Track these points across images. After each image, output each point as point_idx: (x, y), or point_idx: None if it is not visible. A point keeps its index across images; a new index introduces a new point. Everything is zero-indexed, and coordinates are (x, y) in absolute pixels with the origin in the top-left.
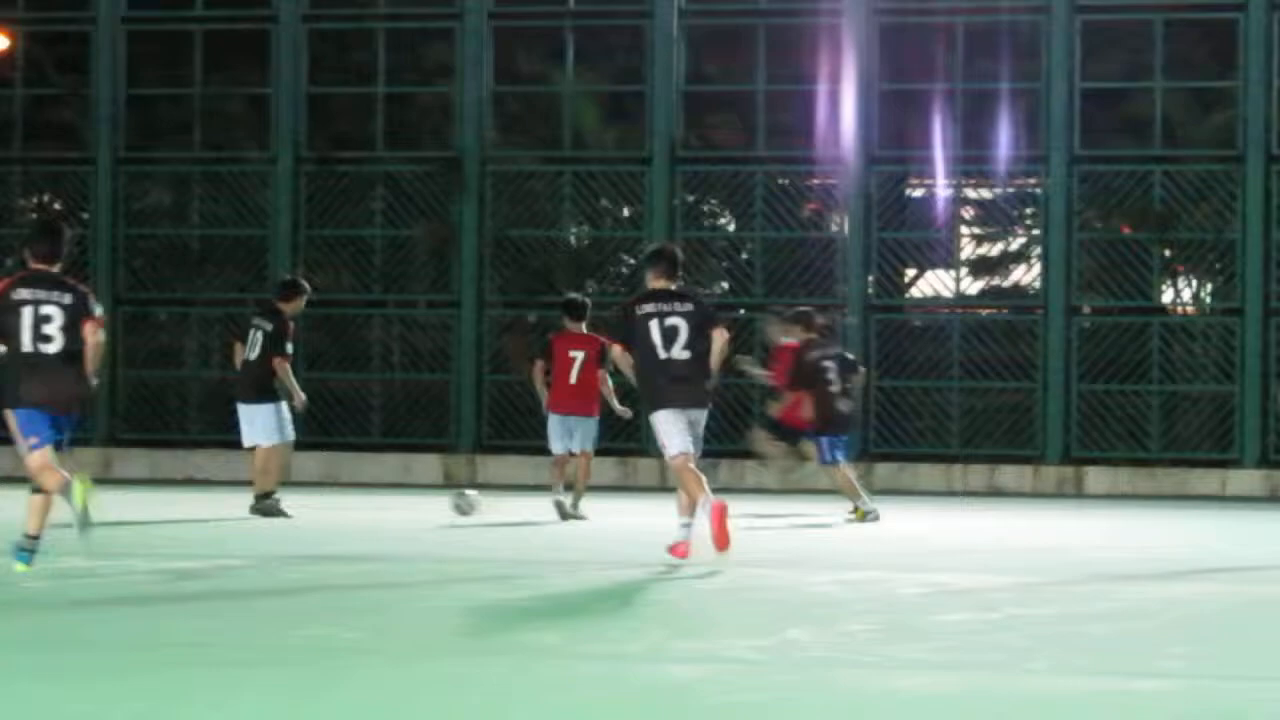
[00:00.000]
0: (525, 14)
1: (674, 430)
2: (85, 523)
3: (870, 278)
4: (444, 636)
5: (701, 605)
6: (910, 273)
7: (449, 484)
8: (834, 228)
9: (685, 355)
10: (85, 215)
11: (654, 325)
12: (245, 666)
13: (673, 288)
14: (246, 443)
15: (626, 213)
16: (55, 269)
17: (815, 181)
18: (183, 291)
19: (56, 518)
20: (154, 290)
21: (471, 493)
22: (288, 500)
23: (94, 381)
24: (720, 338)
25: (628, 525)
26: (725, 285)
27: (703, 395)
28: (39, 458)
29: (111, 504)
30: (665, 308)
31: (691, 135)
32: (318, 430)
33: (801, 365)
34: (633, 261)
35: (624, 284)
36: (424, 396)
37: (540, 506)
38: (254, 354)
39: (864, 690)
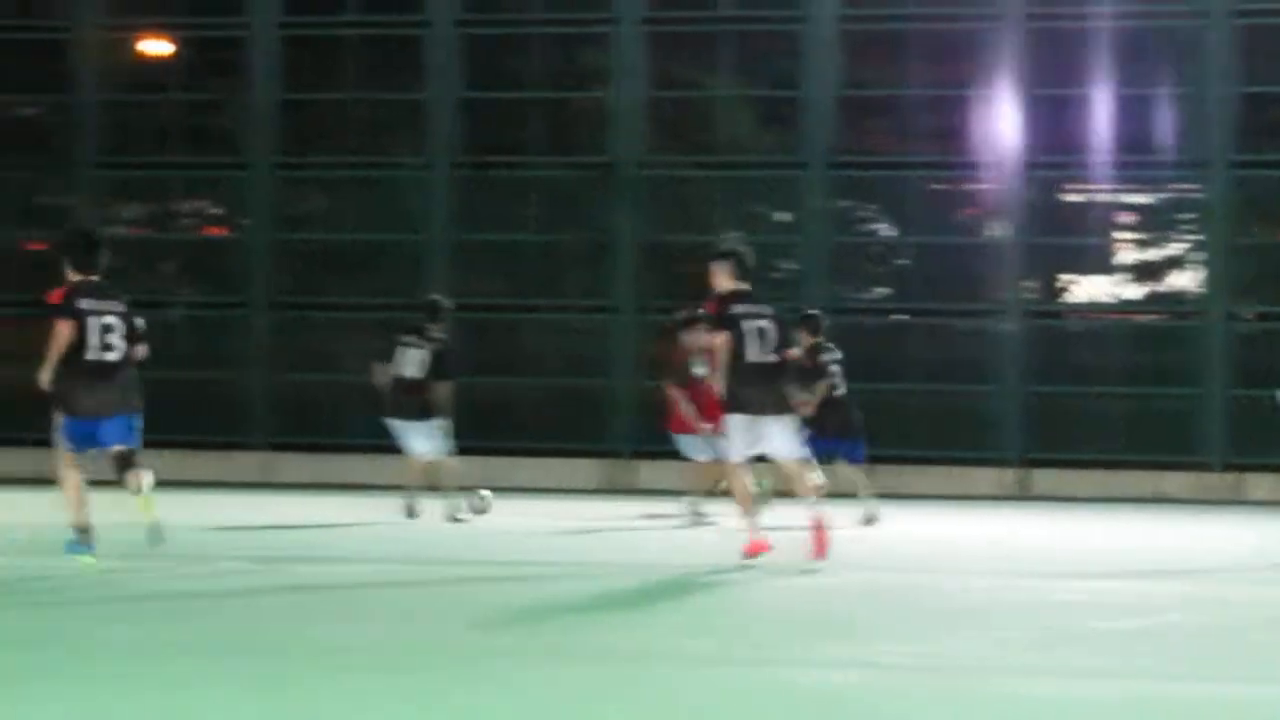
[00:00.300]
0: (680, 19)
1: (743, 436)
2: (156, 533)
3: (1027, 283)
4: (592, 641)
5: (849, 610)
6: (1067, 278)
7: (607, 489)
8: (991, 233)
9: (772, 359)
10: (242, 220)
11: (748, 327)
12: (388, 672)
13: (746, 289)
14: (423, 455)
15: (780, 218)
16: (97, 278)
17: (972, 186)
18: (336, 296)
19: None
20: (308, 295)
21: (486, 493)
22: (439, 506)
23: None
24: (794, 353)
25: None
26: (881, 291)
27: (785, 402)
28: (70, 459)
29: (270, 508)
30: (753, 310)
31: (846, 140)
32: (473, 435)
33: (807, 372)
34: (791, 267)
35: (777, 289)
36: (580, 401)
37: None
38: (413, 372)
39: (1021, 697)
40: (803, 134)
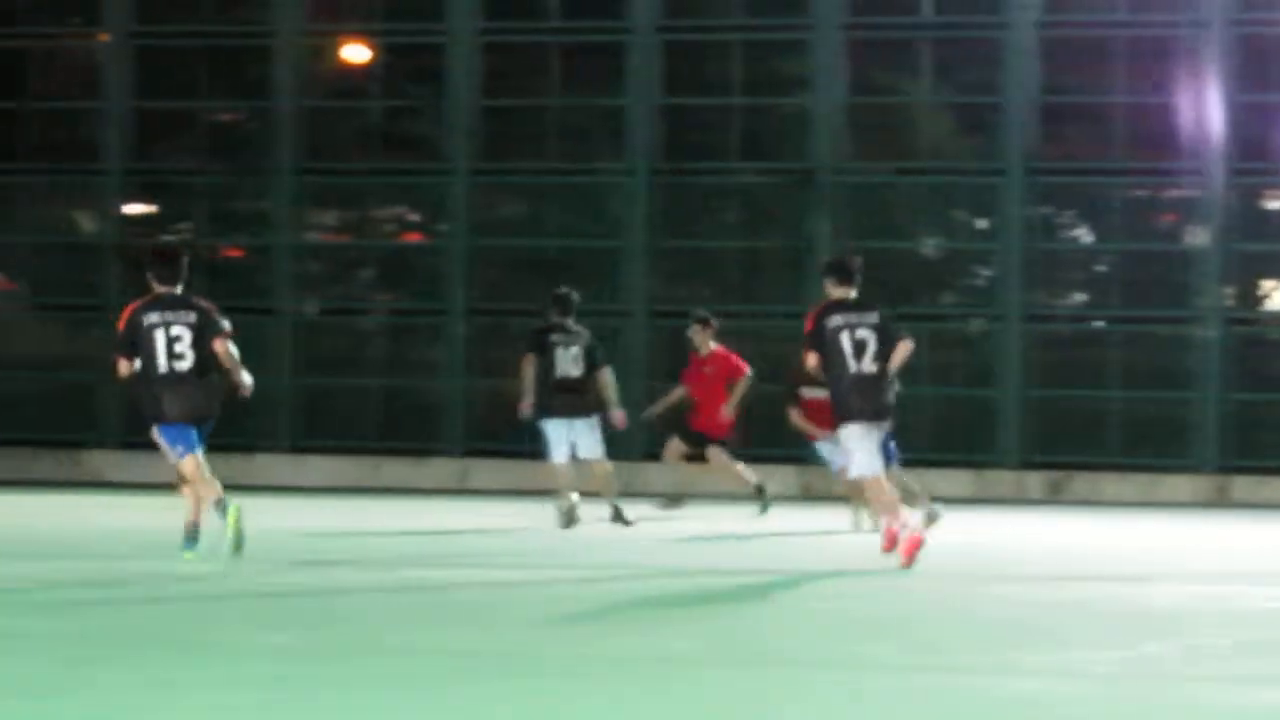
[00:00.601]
0: (879, 25)
1: (862, 448)
2: (238, 543)
3: (1227, 290)
4: (774, 646)
5: (1037, 617)
6: (1269, 284)
7: (798, 496)
8: (1191, 239)
9: (874, 369)
10: (440, 227)
11: (845, 337)
12: (574, 677)
13: (854, 297)
14: (593, 455)
15: (979, 225)
16: (178, 290)
17: (1172, 193)
18: (535, 302)
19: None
20: (507, 301)
21: (575, 497)
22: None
23: (248, 380)
24: (905, 349)
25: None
26: (1081, 297)
27: (889, 409)
28: (190, 464)
29: (463, 514)
30: (854, 319)
31: (1046, 146)
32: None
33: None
34: (988, 274)
35: (977, 296)
36: (775, 407)
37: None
38: (571, 370)
39: (1223, 705)
40: (1002, 140)
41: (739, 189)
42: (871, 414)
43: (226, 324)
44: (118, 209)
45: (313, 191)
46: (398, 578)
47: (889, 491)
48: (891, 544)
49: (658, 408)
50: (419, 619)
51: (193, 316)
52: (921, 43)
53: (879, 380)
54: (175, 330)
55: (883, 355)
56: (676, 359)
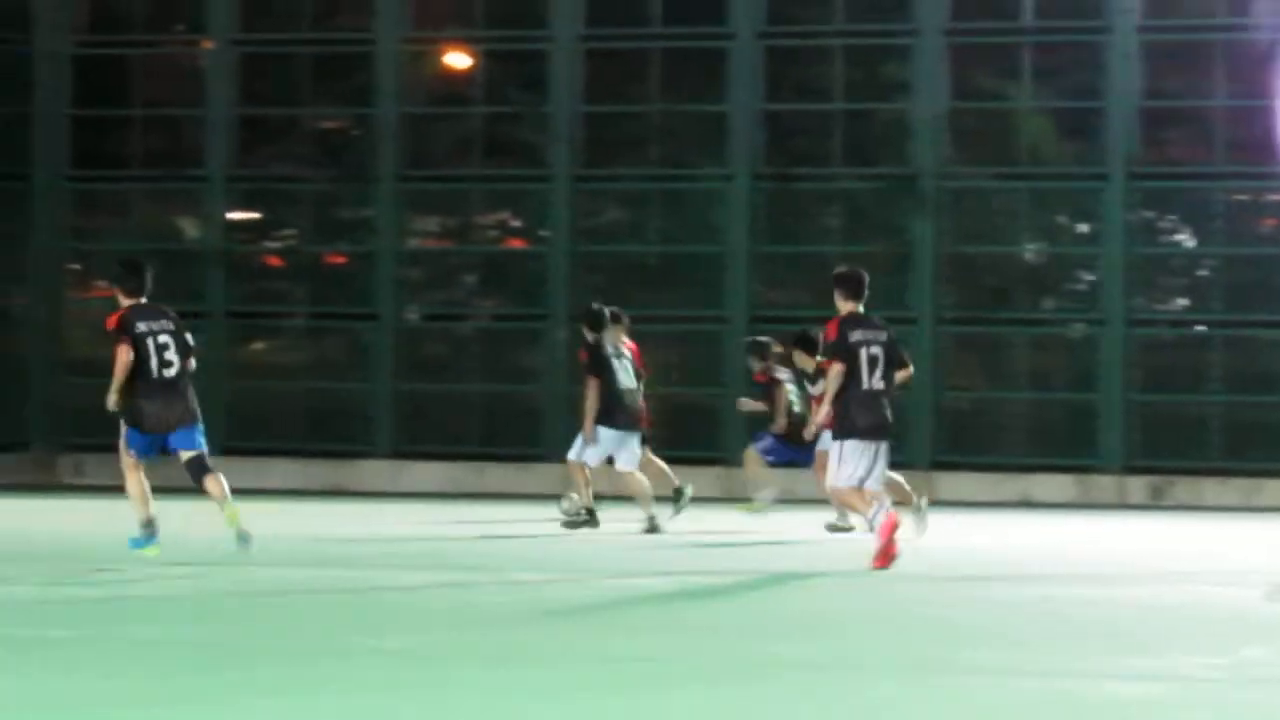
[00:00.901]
0: (981, 30)
1: (858, 462)
2: (245, 539)
3: None
4: (880, 654)
5: (1138, 622)
6: None
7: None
8: None
9: (881, 386)
10: (542, 233)
11: (863, 353)
12: (704, 683)
13: (863, 311)
14: (630, 467)
15: (1081, 229)
16: (145, 300)
17: (1275, 197)
18: (637, 308)
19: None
20: (610, 306)
21: (576, 496)
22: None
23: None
24: (908, 374)
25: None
26: (1182, 302)
27: (891, 427)
28: (132, 463)
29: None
30: (871, 335)
31: (1148, 151)
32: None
33: (762, 389)
34: (1089, 278)
35: (1079, 301)
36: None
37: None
38: (630, 383)
39: None
40: (1104, 145)
41: (840, 194)
42: (876, 433)
43: (191, 338)
44: (221, 216)
45: (415, 198)
46: (510, 581)
47: (861, 499)
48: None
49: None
50: (548, 621)
51: (171, 325)
52: (1023, 47)
53: (883, 397)
54: (162, 339)
55: (887, 375)
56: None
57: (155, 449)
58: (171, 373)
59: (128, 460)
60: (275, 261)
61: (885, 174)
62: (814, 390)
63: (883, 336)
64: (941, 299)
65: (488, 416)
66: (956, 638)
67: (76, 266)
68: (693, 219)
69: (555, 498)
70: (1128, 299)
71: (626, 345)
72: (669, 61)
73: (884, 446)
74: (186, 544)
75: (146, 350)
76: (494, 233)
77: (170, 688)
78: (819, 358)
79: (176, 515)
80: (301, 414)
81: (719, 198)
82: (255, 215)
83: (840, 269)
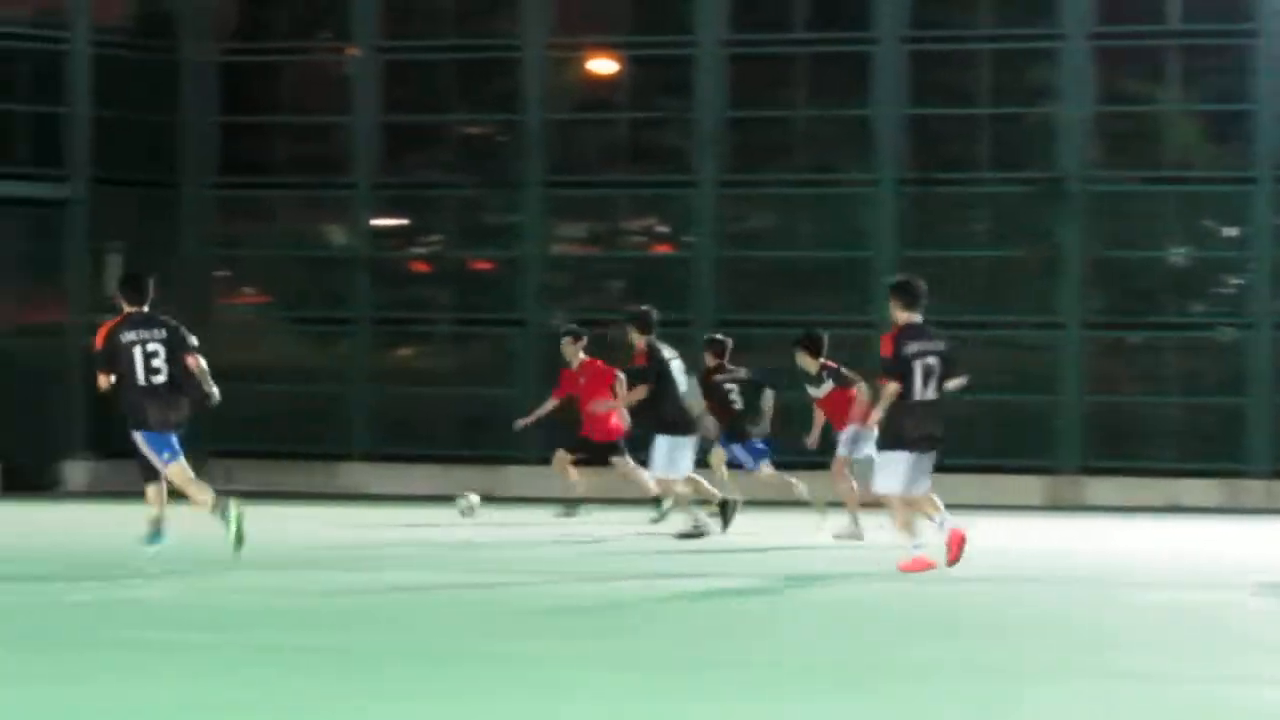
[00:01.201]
0: (1127, 34)
1: (904, 473)
2: (239, 541)
3: None
4: (1029, 657)
5: (1268, 625)
6: None
7: (1052, 506)
8: None
9: (933, 396)
10: (688, 238)
11: (918, 365)
12: (853, 688)
13: (922, 321)
14: (685, 472)
15: (1229, 233)
16: (146, 309)
17: None
18: (783, 313)
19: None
20: (754, 312)
21: (474, 496)
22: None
23: (215, 393)
24: (961, 381)
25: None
26: None
27: (941, 440)
28: (176, 470)
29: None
30: (928, 347)
31: None
32: None
33: (708, 387)
34: (1237, 281)
35: (1227, 304)
36: (1025, 417)
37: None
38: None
39: None
40: (1252, 148)
41: (987, 198)
42: (926, 444)
43: (193, 340)
44: (367, 222)
45: (561, 204)
46: (679, 588)
47: (909, 507)
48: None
49: (530, 418)
50: (716, 630)
51: (164, 333)
52: (1170, 50)
53: (936, 407)
54: (151, 346)
55: (939, 385)
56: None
57: (173, 445)
58: (160, 379)
59: (169, 470)
60: (421, 267)
61: (1031, 178)
62: (815, 393)
63: (939, 346)
64: (1089, 303)
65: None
66: (1107, 642)
67: (224, 273)
68: (838, 224)
69: (702, 503)
70: (1276, 302)
71: (585, 362)
72: (813, 66)
73: (929, 457)
74: (320, 552)
75: (132, 358)
76: (640, 238)
77: (300, 693)
78: (880, 371)
79: (317, 523)
80: (448, 419)
81: (864, 202)
82: (401, 221)
83: (897, 278)
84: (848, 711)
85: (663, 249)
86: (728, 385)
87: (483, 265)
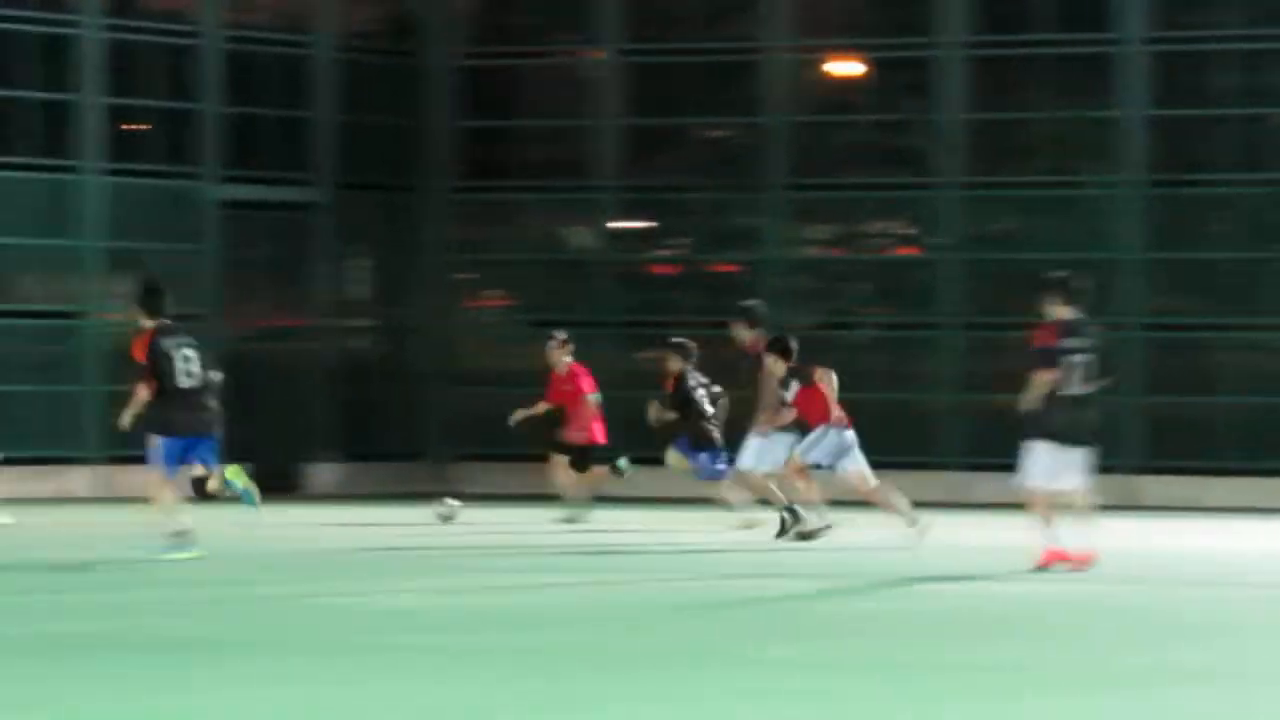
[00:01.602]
0: None
1: (1049, 466)
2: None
3: None
4: (1121, 658)
5: None
6: None
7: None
8: None
9: (1085, 391)
10: (932, 240)
11: (1072, 360)
12: (1081, 692)
13: (1079, 318)
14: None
15: None
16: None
17: None
18: (1023, 316)
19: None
20: (1000, 314)
21: (454, 502)
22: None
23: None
24: (1108, 380)
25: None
26: None
27: (1091, 436)
28: (170, 487)
29: (968, 528)
30: (1083, 343)
31: None
32: (1166, 455)
33: (678, 391)
34: None
35: None
36: (1276, 419)
37: None
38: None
39: None
40: None
41: (1235, 200)
42: (1072, 437)
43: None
44: (609, 226)
45: (803, 206)
46: (918, 592)
47: (1046, 505)
48: (1052, 559)
49: (519, 417)
50: (935, 633)
51: (193, 339)
52: None
53: (1087, 402)
54: (187, 352)
55: (1091, 381)
56: (1174, 372)
57: (182, 459)
58: (194, 383)
59: (165, 482)
60: (665, 270)
61: (1278, 179)
62: (785, 395)
63: (1092, 341)
64: None
65: (879, 425)
66: (1175, 639)
67: (466, 277)
68: (1083, 226)
69: (945, 506)
70: None
71: (571, 367)
72: (1056, 67)
73: (1079, 453)
74: (584, 553)
75: (173, 362)
76: (883, 241)
77: (554, 693)
78: (1034, 363)
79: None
80: None
81: (1109, 204)
82: (644, 225)
83: (1054, 274)
84: (1064, 716)
85: (906, 251)
86: (698, 392)
87: (726, 268)
